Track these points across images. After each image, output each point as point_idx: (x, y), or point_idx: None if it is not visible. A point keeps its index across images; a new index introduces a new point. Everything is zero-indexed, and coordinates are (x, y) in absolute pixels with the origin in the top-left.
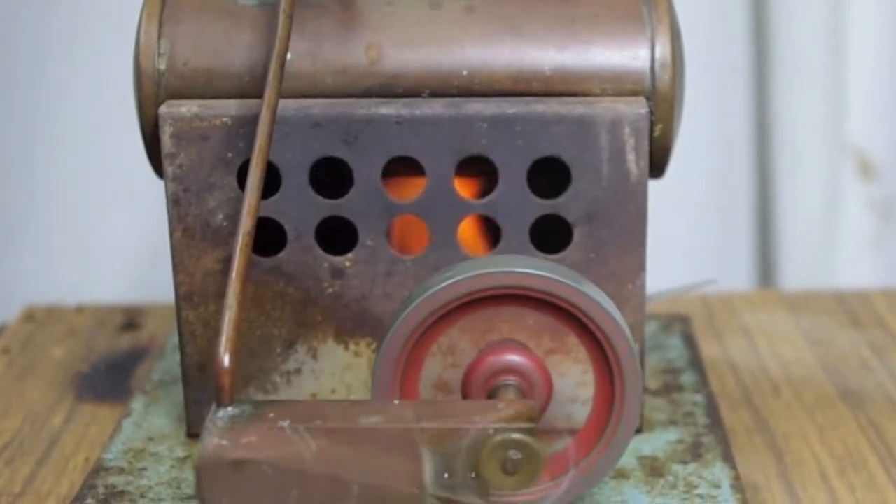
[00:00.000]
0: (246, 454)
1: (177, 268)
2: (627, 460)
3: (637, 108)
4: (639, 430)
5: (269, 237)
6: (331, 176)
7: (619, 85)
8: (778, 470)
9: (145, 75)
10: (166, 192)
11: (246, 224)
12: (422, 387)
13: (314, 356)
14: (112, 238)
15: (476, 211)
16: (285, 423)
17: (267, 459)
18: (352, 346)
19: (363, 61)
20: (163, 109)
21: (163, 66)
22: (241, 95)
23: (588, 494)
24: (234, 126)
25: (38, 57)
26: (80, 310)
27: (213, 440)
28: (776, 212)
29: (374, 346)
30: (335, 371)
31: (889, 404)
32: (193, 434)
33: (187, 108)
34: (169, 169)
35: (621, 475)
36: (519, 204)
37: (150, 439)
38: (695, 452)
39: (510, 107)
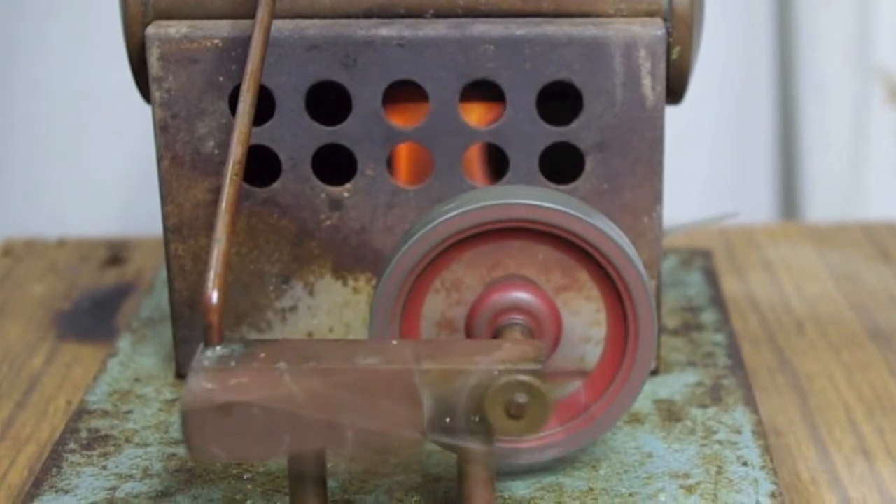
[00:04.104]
0: (234, 397)
1: (165, 198)
2: (642, 404)
3: (653, 29)
4: (654, 372)
5: (263, 166)
6: (328, 102)
7: (634, 5)
8: (802, 413)
9: None
10: (154, 118)
11: (236, 152)
12: (423, 326)
13: (310, 293)
14: (96, 167)
15: (482, 138)
16: (277, 364)
17: (257, 402)
18: (350, 282)
19: None
20: (150, 30)
21: None
22: (233, 16)
23: (600, 440)
24: (225, 48)
25: None
26: (61, 243)
27: (200, 382)
28: (800, 140)
29: (373, 281)
30: (332, 308)
31: None
32: (182, 375)
33: (176, 28)
34: (156, 94)
35: (636, 420)
36: (527, 131)
37: (137, 380)
38: (714, 396)
39: (518, 28)
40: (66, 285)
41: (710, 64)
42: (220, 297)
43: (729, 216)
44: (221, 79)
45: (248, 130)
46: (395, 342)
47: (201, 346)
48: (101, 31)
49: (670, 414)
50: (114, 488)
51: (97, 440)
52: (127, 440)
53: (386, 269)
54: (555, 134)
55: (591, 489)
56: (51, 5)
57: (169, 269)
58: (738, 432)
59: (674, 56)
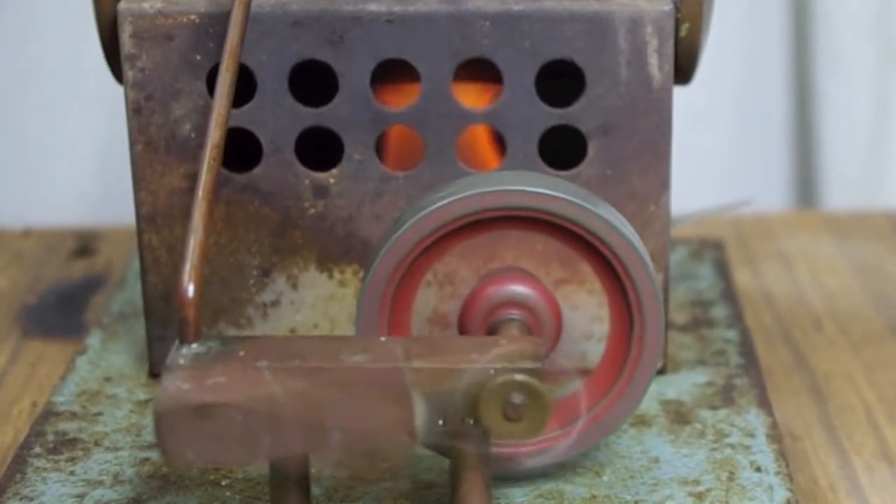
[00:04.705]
0: (212, 398)
1: (138, 185)
2: (649, 405)
3: (660, 4)
4: (662, 371)
5: (243, 151)
6: (313, 82)
7: None
8: (820, 416)
9: None
10: (126, 99)
11: (214, 135)
12: (414, 321)
13: (294, 286)
14: (63, 151)
15: (477, 121)
16: (258, 362)
17: (236, 403)
18: (336, 275)
19: None
20: (122, 5)
21: None
22: None
23: (603, 444)
24: (202, 24)
25: None
26: (26, 233)
27: (175, 382)
28: (817, 121)
29: (361, 274)
30: (317, 303)
31: None
32: (156, 374)
33: (150, 3)
34: (129, 73)
35: (642, 422)
36: (526, 113)
37: (107, 380)
38: (726, 396)
39: (516, 3)
40: (30, 278)
41: (721, 41)
42: (196, 291)
43: (742, 204)
44: (199, 57)
45: (227, 112)
46: (383, 339)
47: (176, 343)
48: (69, 5)
49: (678, 416)
50: (82, 495)
51: (64, 444)
52: (96, 444)
53: (374, 261)
54: (555, 116)
55: (594, 496)
56: None
57: (142, 261)
58: (752, 436)
59: (682, 33)
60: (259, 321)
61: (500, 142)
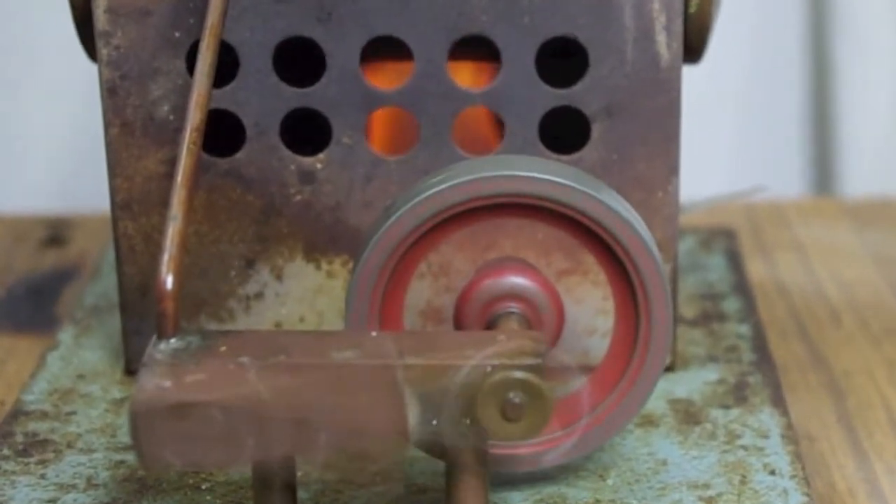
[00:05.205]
0: (191, 396)
1: (113, 170)
2: (656, 404)
3: None
4: (670, 368)
5: (225, 134)
6: (299, 61)
7: None
8: (838, 415)
9: None
10: (100, 78)
11: (194, 117)
12: (406, 315)
13: (279, 277)
14: (33, 134)
15: (474, 102)
16: (240, 358)
17: (217, 402)
18: (324, 266)
19: None
20: None
21: None
22: None
23: (608, 446)
24: None
25: None
26: None
27: (152, 379)
28: (835, 104)
29: (350, 265)
30: (304, 295)
31: None
32: (133, 371)
33: None
34: (104, 51)
35: (649, 422)
36: (526, 94)
37: (81, 377)
38: (738, 395)
39: None
40: None
41: (733, 17)
42: (175, 283)
43: (755, 190)
44: (178, 34)
45: (208, 93)
46: (374, 334)
47: (154, 338)
48: None
49: (688, 416)
50: (54, 500)
51: (35, 445)
52: (69, 445)
53: (364, 251)
54: (557, 97)
55: (598, 501)
56: None
57: (117, 251)
58: (765, 437)
59: (692, 9)
60: (242, 315)
61: (500, 124)
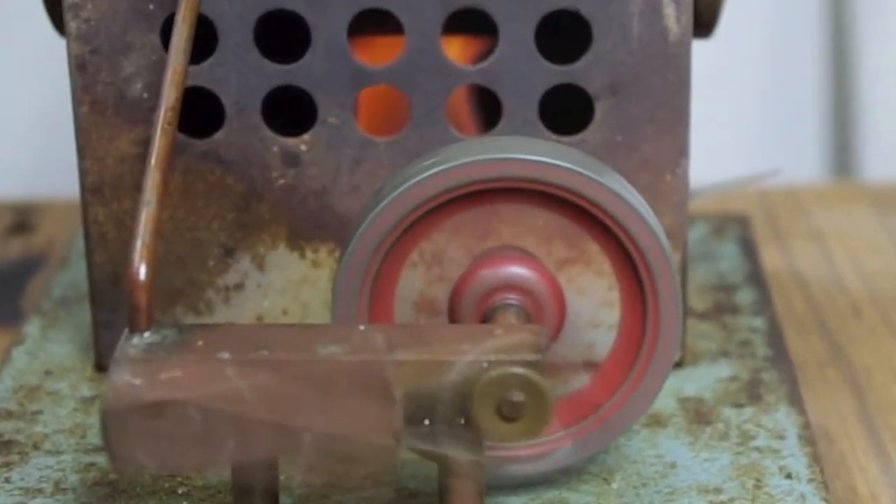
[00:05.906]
0: (166, 394)
1: (82, 152)
2: (664, 403)
3: None
4: (679, 364)
5: (202, 113)
6: (283, 35)
7: None
8: (859, 414)
9: None
10: (69, 54)
11: (169, 96)
12: (397, 307)
13: (260, 267)
14: None
15: (469, 80)
16: (219, 354)
17: (194, 401)
18: (309, 254)
19: None
20: None
21: None
22: None
23: (613, 447)
24: None
25: None
26: None
27: (125, 376)
28: (855, 82)
29: (337, 253)
30: (287, 286)
31: None
32: (103, 367)
33: None
34: (72, 24)
35: (656, 422)
36: (525, 70)
37: (48, 374)
38: (752, 393)
39: None
40: None
41: None
42: (148, 273)
43: (770, 174)
44: (151, 6)
45: (185, 69)
46: (362, 327)
47: (126, 331)
48: None
49: (698, 415)
50: None
51: None
52: (35, 447)
53: (352, 239)
54: (558, 74)
55: None
56: None
57: (87, 239)
58: (781, 437)
59: None
60: (221, 307)
61: (490, 105)
